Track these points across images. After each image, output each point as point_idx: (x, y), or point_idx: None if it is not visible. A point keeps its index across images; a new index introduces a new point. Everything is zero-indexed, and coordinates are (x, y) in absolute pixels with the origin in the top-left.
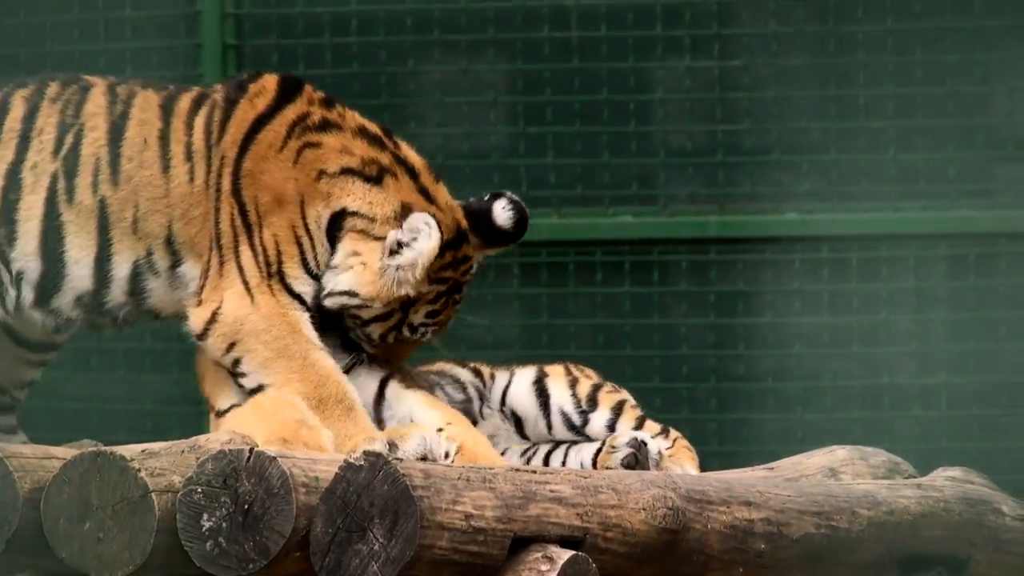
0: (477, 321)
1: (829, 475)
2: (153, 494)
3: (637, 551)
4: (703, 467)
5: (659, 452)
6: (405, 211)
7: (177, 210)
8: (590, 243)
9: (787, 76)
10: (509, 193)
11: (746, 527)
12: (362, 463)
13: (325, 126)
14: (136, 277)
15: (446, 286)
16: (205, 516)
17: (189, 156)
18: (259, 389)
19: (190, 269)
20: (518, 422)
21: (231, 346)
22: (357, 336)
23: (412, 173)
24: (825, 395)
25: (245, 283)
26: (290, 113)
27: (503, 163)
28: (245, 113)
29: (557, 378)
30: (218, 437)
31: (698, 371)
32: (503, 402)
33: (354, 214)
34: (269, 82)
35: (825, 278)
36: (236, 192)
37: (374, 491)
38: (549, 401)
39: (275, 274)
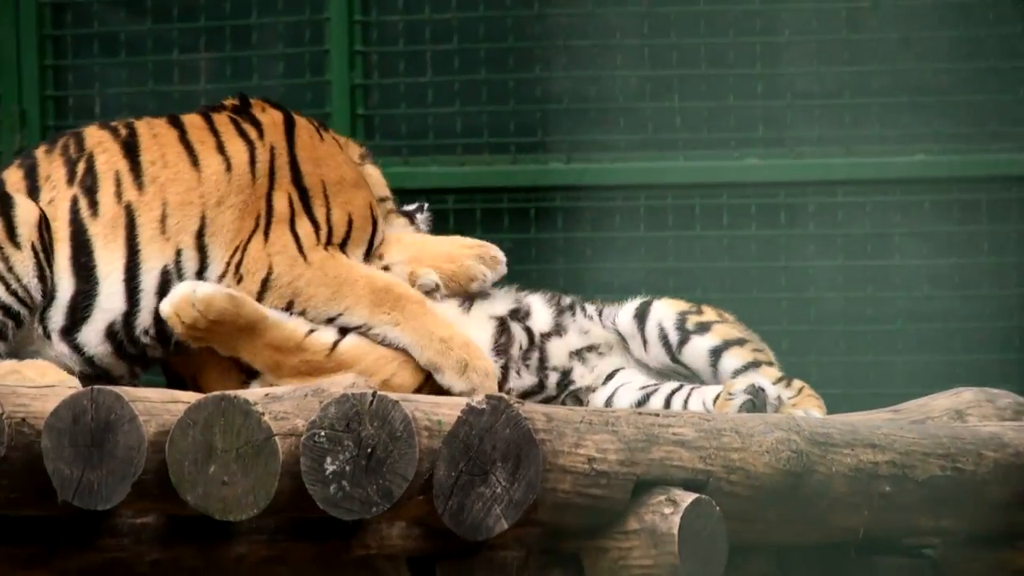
0: (604, 265)
1: (955, 417)
2: (277, 438)
3: (761, 494)
4: (831, 410)
5: (778, 398)
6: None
7: (212, 198)
8: (716, 186)
9: (914, 17)
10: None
11: (871, 470)
12: (484, 406)
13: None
14: (164, 288)
15: None
16: (329, 459)
17: (221, 148)
18: (334, 319)
19: (215, 266)
20: (624, 342)
21: (290, 304)
22: None
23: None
24: (955, 337)
25: (299, 247)
26: (306, 123)
27: (629, 106)
28: (270, 116)
29: (671, 303)
30: (341, 381)
31: (826, 313)
32: (614, 321)
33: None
34: (264, 104)
35: (955, 219)
36: (296, 179)
37: (496, 434)
38: (647, 317)
39: (335, 245)
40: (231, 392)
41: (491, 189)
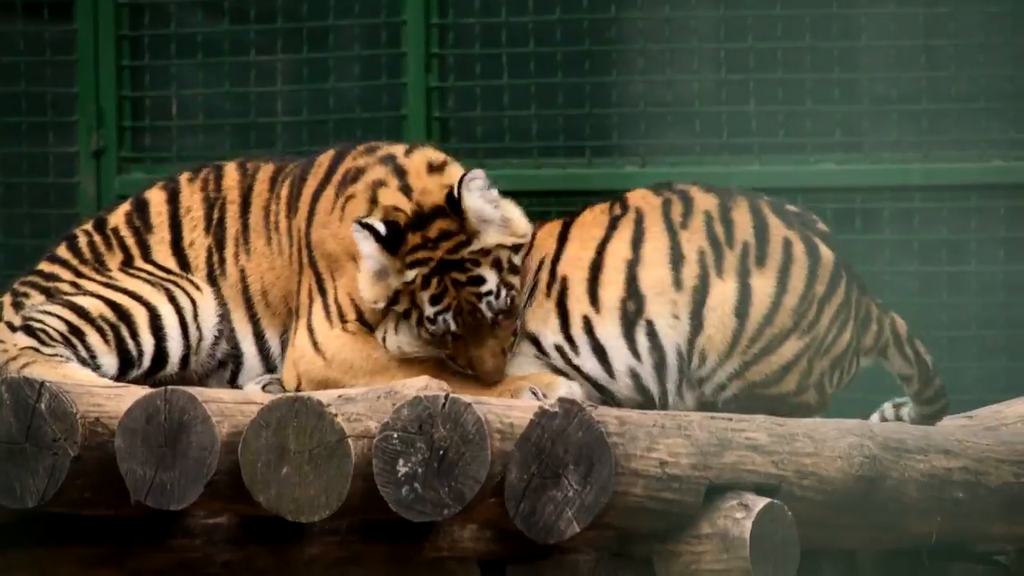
0: None
1: None
2: (349, 439)
3: (833, 499)
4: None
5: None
6: None
7: (282, 278)
8: (792, 190)
9: (993, 23)
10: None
11: (944, 476)
12: (557, 409)
13: (357, 175)
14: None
15: (428, 267)
16: (401, 461)
17: (277, 228)
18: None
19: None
20: None
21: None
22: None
23: (401, 174)
24: None
25: (314, 342)
26: (338, 174)
27: (705, 110)
28: (309, 187)
29: None
30: (414, 383)
31: (903, 318)
32: None
33: None
34: (327, 155)
35: None
36: (312, 263)
37: (569, 438)
38: None
39: (356, 319)
40: (304, 393)
41: (566, 192)
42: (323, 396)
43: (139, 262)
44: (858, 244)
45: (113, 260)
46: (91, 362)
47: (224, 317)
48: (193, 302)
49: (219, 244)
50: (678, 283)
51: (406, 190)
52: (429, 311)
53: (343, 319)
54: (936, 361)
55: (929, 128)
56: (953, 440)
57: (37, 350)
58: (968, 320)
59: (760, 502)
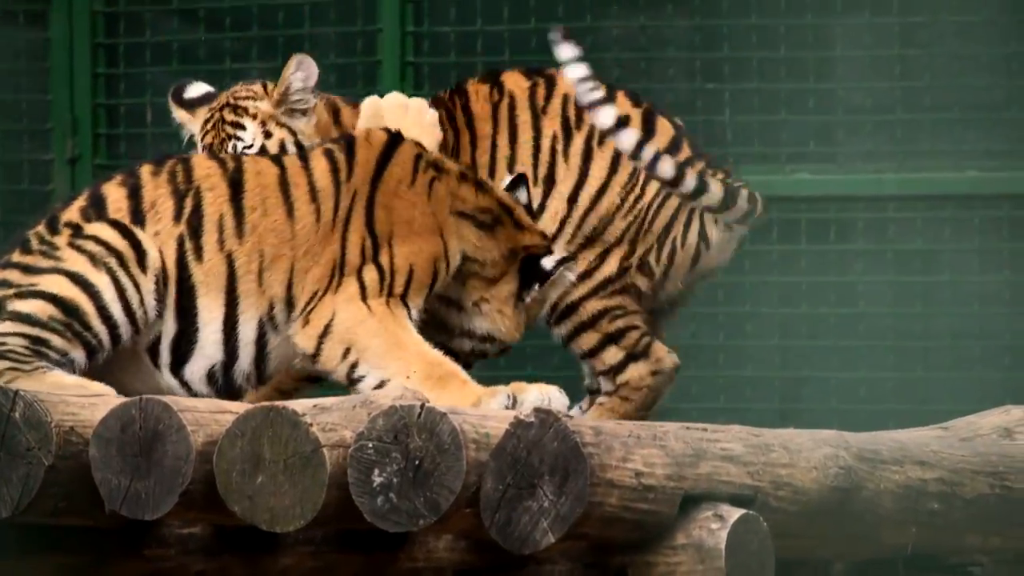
0: None
1: (1004, 435)
2: (324, 449)
3: (808, 510)
4: (880, 426)
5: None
6: (512, 255)
7: (301, 249)
8: (767, 200)
9: (968, 33)
10: None
11: (919, 487)
12: (532, 420)
13: (439, 166)
14: (261, 338)
15: None
16: (376, 471)
17: (313, 195)
18: (383, 384)
19: (297, 315)
20: None
21: (347, 352)
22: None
23: (509, 212)
24: (1004, 354)
25: (363, 295)
26: (408, 149)
27: (681, 119)
28: (367, 152)
29: None
30: (389, 393)
31: (875, 329)
32: None
33: (472, 259)
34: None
35: (1005, 236)
36: (369, 224)
37: (544, 448)
38: None
39: (396, 296)
40: (279, 403)
41: None
42: (297, 405)
43: (93, 228)
44: (832, 254)
45: (62, 237)
46: (65, 360)
47: (162, 298)
48: (135, 282)
49: (194, 232)
50: (535, 178)
51: (519, 227)
52: None
53: (391, 288)
54: (910, 372)
55: (904, 138)
56: (928, 451)
57: (16, 369)
58: (942, 331)
59: (735, 513)
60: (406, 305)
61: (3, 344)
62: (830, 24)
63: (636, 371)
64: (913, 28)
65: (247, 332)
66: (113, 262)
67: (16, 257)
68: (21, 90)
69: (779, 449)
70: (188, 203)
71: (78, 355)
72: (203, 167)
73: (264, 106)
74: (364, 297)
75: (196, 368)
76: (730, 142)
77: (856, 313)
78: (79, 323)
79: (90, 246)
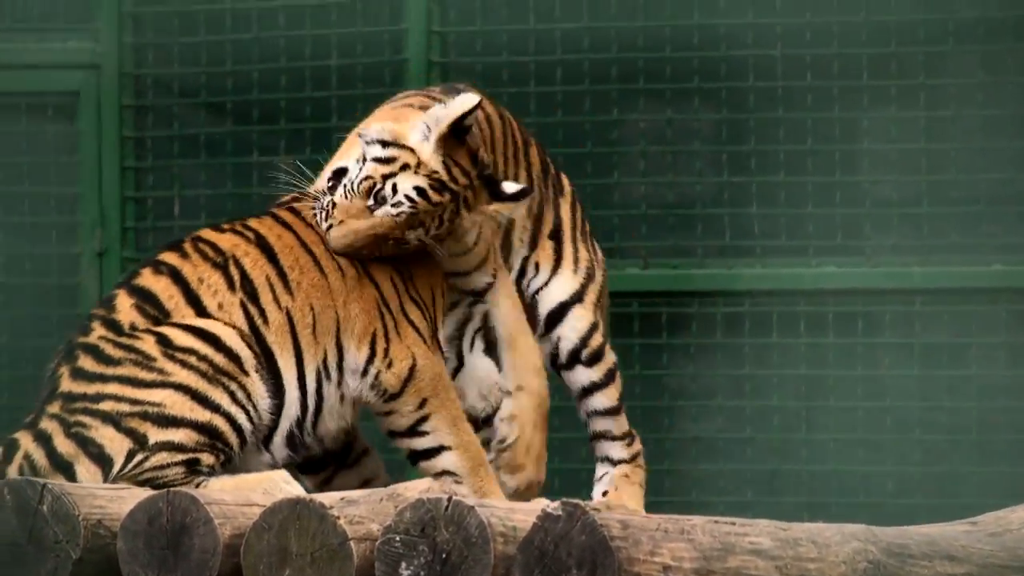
0: (682, 371)
1: None
2: (352, 542)
3: None
4: (907, 521)
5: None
6: None
7: (340, 299)
8: (794, 293)
9: (994, 127)
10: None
11: None
12: (560, 513)
13: None
14: (319, 390)
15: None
16: (403, 564)
17: (327, 249)
18: (435, 451)
19: (353, 357)
20: None
21: (423, 402)
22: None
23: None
24: None
25: (423, 339)
26: None
27: (707, 212)
28: None
29: None
30: (416, 485)
31: (902, 422)
32: None
33: None
34: None
35: None
36: (385, 259)
37: (572, 541)
38: None
39: (434, 333)
40: (306, 496)
41: None
42: (324, 498)
43: (177, 335)
44: (859, 347)
45: (147, 344)
46: (210, 472)
47: (275, 393)
48: (247, 391)
49: (251, 296)
50: None
51: None
52: None
53: (433, 323)
54: (938, 465)
55: (930, 231)
56: (958, 546)
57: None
58: (969, 425)
59: None
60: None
61: (164, 476)
62: (857, 118)
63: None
64: (940, 122)
65: (311, 384)
66: (223, 377)
67: (92, 366)
68: (50, 183)
69: (807, 543)
70: (234, 272)
71: (218, 466)
72: (225, 240)
73: None
74: (426, 342)
75: (280, 431)
76: (757, 235)
77: (883, 406)
78: (221, 442)
79: (193, 361)
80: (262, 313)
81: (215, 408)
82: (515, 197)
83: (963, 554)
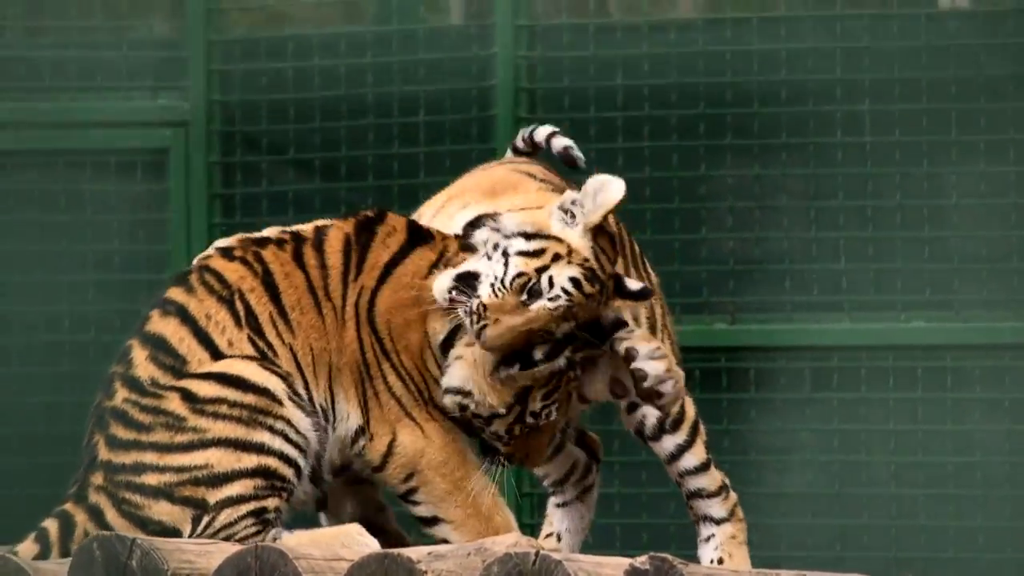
0: (770, 426)
1: None
2: None
3: None
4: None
5: None
6: None
7: (333, 343)
8: (882, 348)
9: None
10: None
11: None
12: (647, 567)
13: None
14: (317, 430)
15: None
16: None
17: (328, 295)
18: (431, 520)
19: (342, 405)
20: None
21: (409, 476)
22: (489, 437)
23: None
24: None
25: (407, 413)
26: (426, 255)
27: (795, 268)
28: (379, 254)
29: None
30: (504, 540)
31: (992, 478)
32: None
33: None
34: (398, 223)
35: None
36: (371, 321)
37: None
38: None
39: (428, 399)
40: (395, 551)
41: None
42: (412, 553)
43: (199, 386)
44: (949, 402)
45: (173, 403)
46: (280, 516)
47: (312, 414)
48: (287, 420)
49: (257, 332)
50: None
51: None
52: (538, 405)
53: (421, 393)
54: None
55: (1019, 286)
56: None
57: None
58: None
59: None
60: (438, 407)
61: (235, 532)
62: (945, 172)
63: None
64: None
65: (321, 419)
66: (259, 416)
67: (124, 433)
68: (139, 241)
69: None
70: (239, 306)
71: (284, 506)
72: (231, 271)
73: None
74: (410, 416)
75: (304, 471)
76: (845, 290)
77: (973, 462)
78: (278, 480)
79: (224, 410)
80: (270, 347)
81: (260, 449)
82: (638, 296)
83: None
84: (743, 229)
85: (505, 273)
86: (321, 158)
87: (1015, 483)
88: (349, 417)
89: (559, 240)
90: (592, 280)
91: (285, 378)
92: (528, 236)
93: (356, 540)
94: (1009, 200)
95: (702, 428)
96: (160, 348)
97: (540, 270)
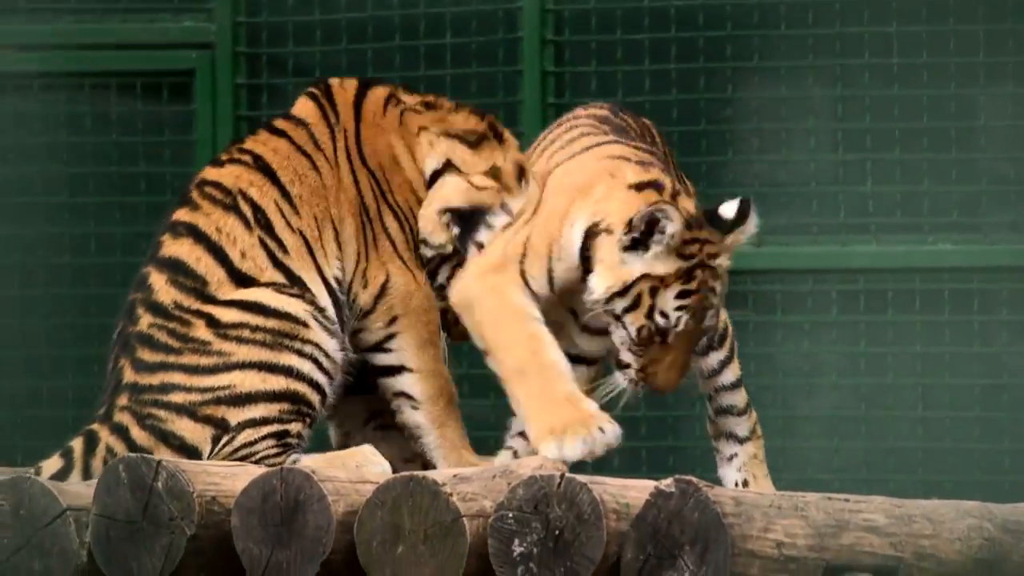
0: (797, 349)
1: None
2: (464, 519)
3: None
4: (1018, 498)
5: None
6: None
7: (331, 197)
8: (909, 271)
9: None
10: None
11: None
12: (673, 490)
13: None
14: (334, 297)
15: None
16: (516, 541)
17: (318, 146)
18: (396, 369)
19: (349, 261)
20: None
21: (393, 320)
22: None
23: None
24: None
25: (400, 256)
26: (380, 91)
27: (821, 190)
28: (344, 94)
29: None
30: (529, 463)
31: (1020, 400)
32: None
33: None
34: (348, 80)
35: None
36: (363, 159)
37: (685, 518)
38: None
39: (416, 248)
40: (419, 473)
41: None
42: (438, 476)
43: (223, 312)
44: (976, 325)
45: (199, 330)
46: (302, 441)
47: (336, 334)
48: (315, 344)
49: (267, 230)
50: None
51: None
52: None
53: (412, 236)
54: None
55: None
56: None
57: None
58: None
59: None
60: (421, 257)
61: (255, 453)
62: (973, 94)
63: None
64: None
65: (339, 295)
66: (284, 339)
67: (151, 356)
68: (165, 163)
69: (922, 520)
70: (245, 208)
71: (306, 432)
72: (227, 175)
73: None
74: (403, 259)
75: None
76: (872, 212)
77: (1000, 384)
78: (304, 404)
79: (247, 334)
80: (280, 244)
81: (287, 372)
82: (742, 216)
83: None
84: (770, 151)
85: (629, 336)
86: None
87: None
88: (355, 269)
89: (645, 277)
90: (688, 274)
91: (304, 298)
92: (620, 294)
93: (370, 460)
94: None
95: (736, 345)
96: (178, 271)
97: (649, 314)
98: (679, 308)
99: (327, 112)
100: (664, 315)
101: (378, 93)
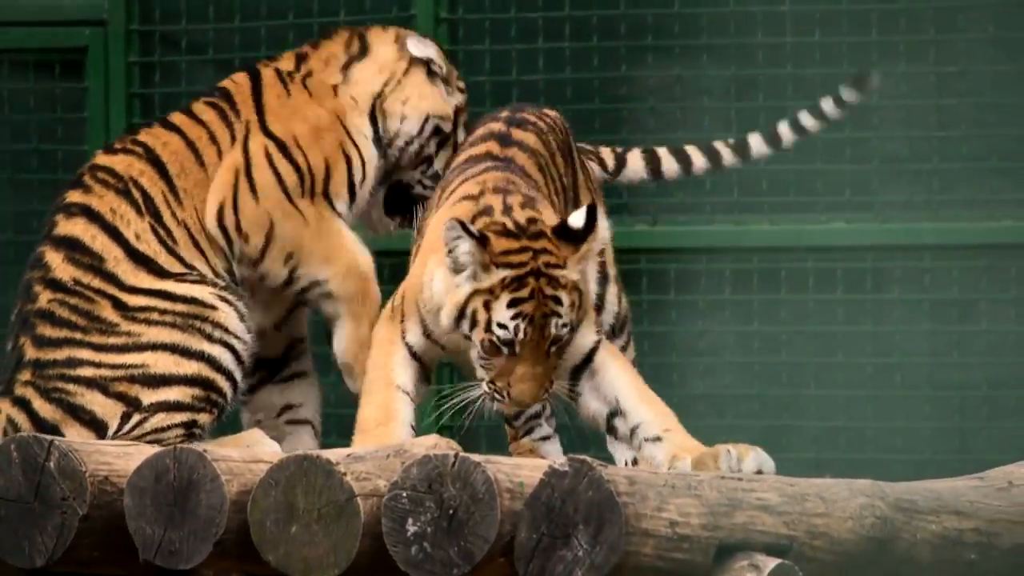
0: (690, 328)
1: None
2: (358, 498)
3: (844, 560)
4: (916, 476)
5: None
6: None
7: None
8: (802, 250)
9: (1004, 82)
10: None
11: (956, 537)
12: (567, 468)
13: (299, 62)
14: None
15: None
16: (410, 521)
17: (213, 140)
18: (315, 284)
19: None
20: None
21: (289, 257)
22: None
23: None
24: None
25: (286, 193)
26: (269, 72)
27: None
28: (239, 88)
29: None
30: (423, 442)
31: (911, 379)
32: None
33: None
34: (237, 74)
35: None
36: (267, 132)
37: (579, 497)
38: None
39: (319, 193)
40: (313, 452)
41: None
42: (331, 455)
43: (129, 298)
44: (868, 304)
45: (105, 310)
46: (206, 436)
47: (245, 316)
48: (218, 324)
49: (156, 217)
50: None
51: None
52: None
53: (313, 187)
54: (946, 421)
55: (940, 187)
56: (965, 501)
57: None
58: (979, 381)
59: (771, 563)
60: (331, 204)
61: (163, 439)
62: (865, 73)
63: None
64: (949, 78)
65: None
66: (193, 321)
67: (53, 331)
68: (57, 140)
69: (815, 499)
70: (136, 194)
71: (211, 425)
72: (119, 162)
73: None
74: (289, 197)
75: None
76: (766, 191)
77: (892, 363)
78: (216, 393)
79: (155, 317)
80: (169, 234)
81: (200, 357)
82: (590, 225)
83: (971, 509)
84: (664, 131)
85: (479, 352)
86: (240, 58)
87: (934, 384)
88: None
89: (475, 293)
90: (519, 282)
91: (206, 281)
92: (461, 316)
93: (259, 441)
94: (930, 101)
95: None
96: (75, 248)
97: (487, 327)
98: (515, 316)
99: (224, 109)
100: (501, 326)
101: (269, 75)
